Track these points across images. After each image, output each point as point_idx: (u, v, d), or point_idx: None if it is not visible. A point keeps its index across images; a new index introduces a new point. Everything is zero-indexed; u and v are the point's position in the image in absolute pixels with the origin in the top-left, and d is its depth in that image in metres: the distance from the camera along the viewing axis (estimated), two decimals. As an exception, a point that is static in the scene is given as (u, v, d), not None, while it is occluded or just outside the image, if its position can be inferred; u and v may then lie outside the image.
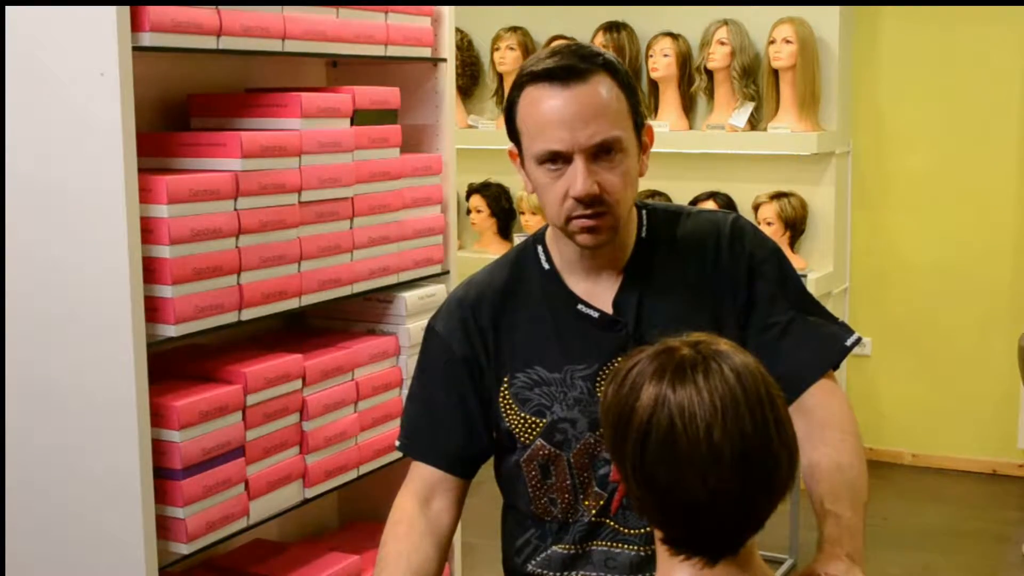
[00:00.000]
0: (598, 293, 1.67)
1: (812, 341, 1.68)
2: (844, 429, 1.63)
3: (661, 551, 1.33)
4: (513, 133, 1.64)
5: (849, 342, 1.69)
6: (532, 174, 1.62)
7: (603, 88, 1.57)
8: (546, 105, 1.56)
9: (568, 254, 1.69)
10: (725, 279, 1.67)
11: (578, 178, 1.55)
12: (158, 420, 2.13)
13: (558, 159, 1.56)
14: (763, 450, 1.24)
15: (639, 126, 1.62)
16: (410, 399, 1.83)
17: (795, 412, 1.51)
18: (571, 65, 1.56)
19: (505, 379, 1.68)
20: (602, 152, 1.56)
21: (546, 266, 1.71)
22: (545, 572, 1.74)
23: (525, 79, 1.59)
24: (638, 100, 1.62)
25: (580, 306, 1.67)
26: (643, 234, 1.69)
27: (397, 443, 1.85)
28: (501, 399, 1.71)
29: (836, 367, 1.70)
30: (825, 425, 1.63)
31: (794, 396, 1.62)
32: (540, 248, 1.73)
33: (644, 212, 1.72)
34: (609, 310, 1.66)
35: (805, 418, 1.61)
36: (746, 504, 1.26)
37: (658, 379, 1.26)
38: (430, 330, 1.79)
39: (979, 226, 5.20)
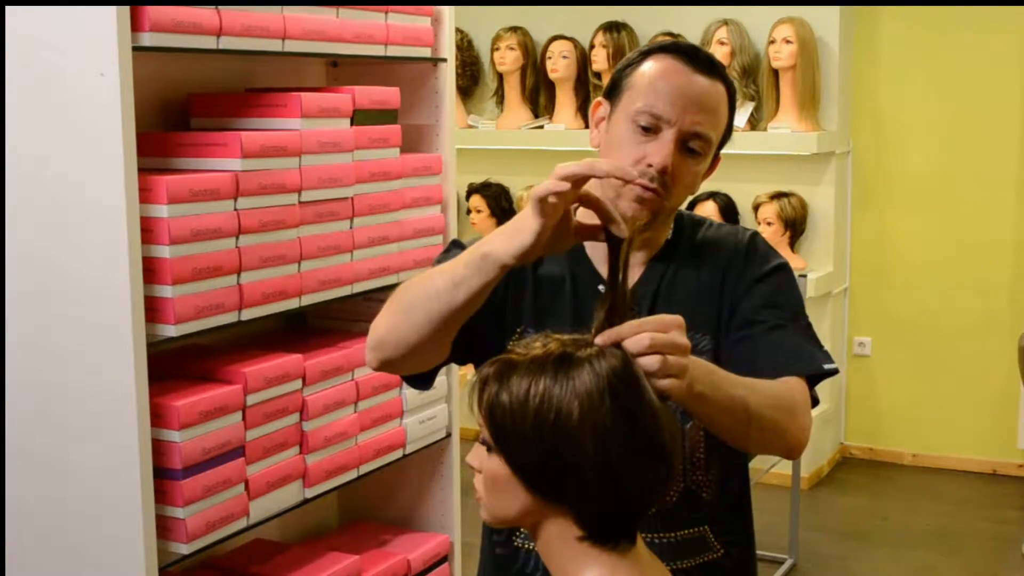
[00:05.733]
0: None
1: (795, 349, 1.64)
2: (783, 389, 1.57)
3: (574, 550, 1.32)
4: (615, 88, 1.66)
5: (827, 367, 1.66)
6: (617, 127, 1.64)
7: (721, 96, 1.64)
8: (672, 75, 1.61)
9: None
10: (732, 281, 1.69)
11: (663, 150, 1.59)
12: (158, 420, 2.13)
13: (653, 125, 1.60)
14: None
15: (717, 150, 1.68)
16: None
17: None
18: (712, 60, 1.65)
19: (518, 329, 1.66)
20: (689, 143, 1.61)
21: None
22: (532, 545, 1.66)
23: (660, 49, 1.65)
24: (730, 133, 1.69)
25: (601, 286, 1.67)
26: (670, 236, 1.73)
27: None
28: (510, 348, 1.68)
29: (808, 381, 1.63)
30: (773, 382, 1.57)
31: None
32: None
33: (674, 217, 1.75)
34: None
35: None
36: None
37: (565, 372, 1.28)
38: (454, 243, 1.73)
39: (979, 226, 5.20)
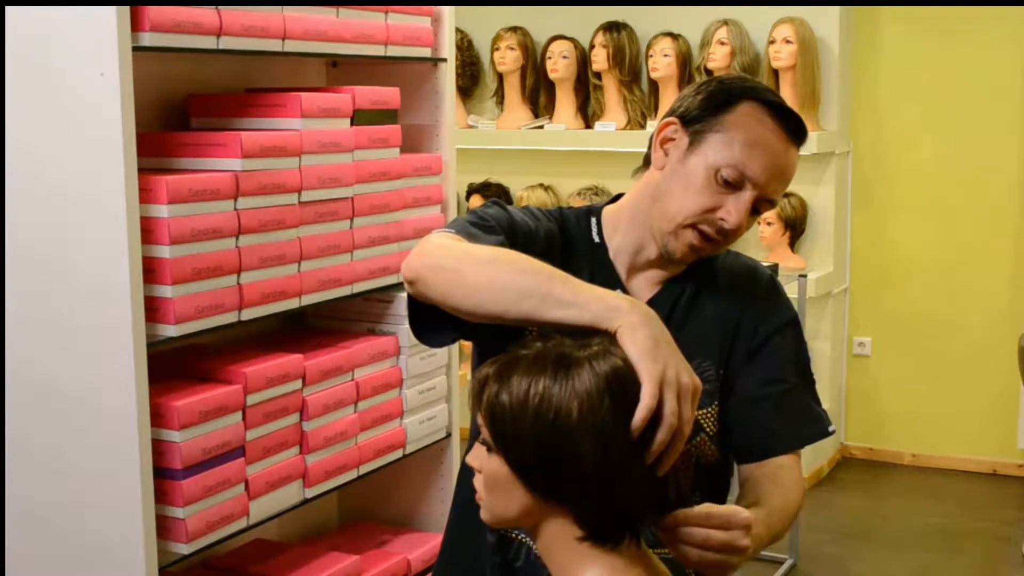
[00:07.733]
0: (635, 290, 1.68)
1: (806, 415, 1.71)
2: (791, 505, 1.66)
3: (574, 551, 1.32)
4: (698, 121, 1.62)
5: (830, 429, 1.74)
6: (694, 168, 1.61)
7: (797, 165, 1.67)
8: (770, 142, 1.61)
9: (632, 241, 1.68)
10: (749, 322, 1.69)
11: (740, 211, 1.60)
12: (158, 420, 2.14)
13: (737, 182, 1.60)
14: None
15: None
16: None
17: (763, 471, 1.63)
18: (802, 132, 1.65)
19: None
20: (760, 205, 1.63)
21: (596, 239, 1.70)
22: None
23: (757, 97, 1.62)
24: None
25: (619, 291, 1.66)
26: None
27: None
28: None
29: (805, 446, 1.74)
30: (787, 492, 1.65)
31: (767, 453, 1.66)
32: (595, 220, 1.72)
33: None
34: None
35: (772, 481, 1.64)
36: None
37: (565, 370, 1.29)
38: (494, 202, 1.66)
39: (979, 226, 5.20)
